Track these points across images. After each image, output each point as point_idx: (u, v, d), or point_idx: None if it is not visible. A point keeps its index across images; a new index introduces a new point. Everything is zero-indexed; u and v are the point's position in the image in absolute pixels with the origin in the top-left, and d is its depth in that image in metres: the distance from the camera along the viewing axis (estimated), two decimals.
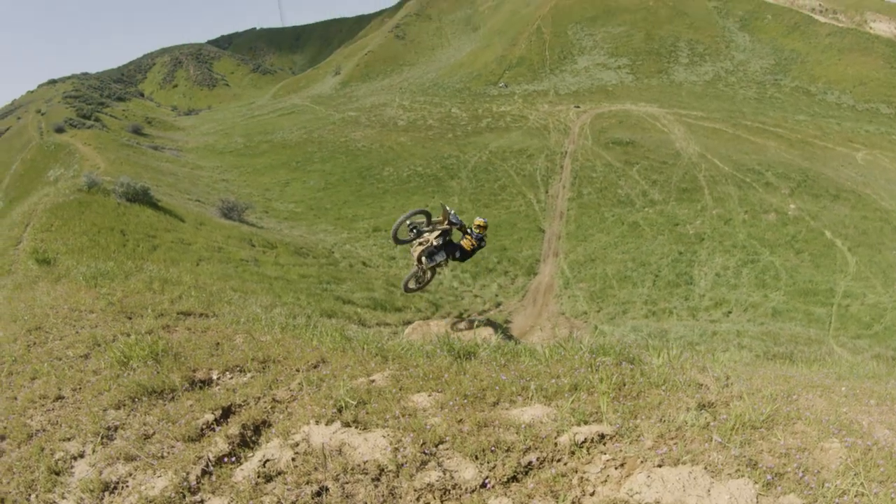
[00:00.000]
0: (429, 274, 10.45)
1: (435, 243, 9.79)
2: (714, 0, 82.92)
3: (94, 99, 79.15)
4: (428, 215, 10.02)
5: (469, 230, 10.12)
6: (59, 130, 52.90)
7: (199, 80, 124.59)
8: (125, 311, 7.41)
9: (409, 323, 14.16)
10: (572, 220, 27.73)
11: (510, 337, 15.36)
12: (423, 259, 9.88)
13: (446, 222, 9.82)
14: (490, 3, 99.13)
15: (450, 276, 20.50)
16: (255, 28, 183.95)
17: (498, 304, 19.47)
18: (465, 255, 10.19)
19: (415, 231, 9.91)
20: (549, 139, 41.17)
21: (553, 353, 5.01)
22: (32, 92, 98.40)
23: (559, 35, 74.70)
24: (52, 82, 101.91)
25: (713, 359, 6.18)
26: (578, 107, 50.58)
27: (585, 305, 19.90)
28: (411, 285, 10.61)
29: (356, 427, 3.86)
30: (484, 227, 10.26)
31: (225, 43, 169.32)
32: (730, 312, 19.39)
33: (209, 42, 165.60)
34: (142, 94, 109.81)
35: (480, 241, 10.21)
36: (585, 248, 24.74)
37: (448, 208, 9.98)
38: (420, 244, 9.90)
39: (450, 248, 10.01)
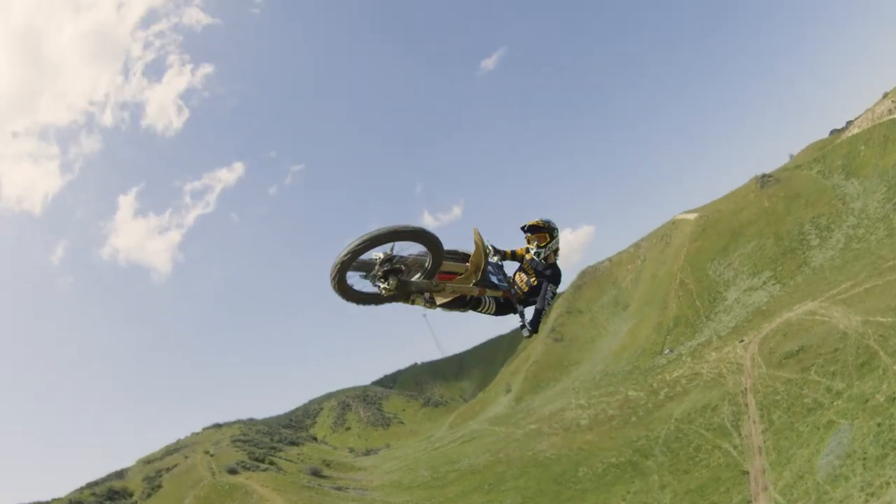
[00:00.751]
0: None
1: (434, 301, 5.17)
2: (815, 166, 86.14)
3: (264, 443, 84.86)
4: (433, 244, 4.73)
5: (528, 250, 5.73)
6: (233, 472, 56.66)
7: (372, 420, 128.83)
8: None
9: None
10: (771, 449, 28.43)
11: None
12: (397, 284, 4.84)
13: (473, 278, 5.24)
14: (630, 276, 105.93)
15: None
16: (416, 363, 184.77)
17: None
18: (504, 307, 5.61)
19: (390, 274, 4.79)
20: (726, 384, 42.66)
21: None
22: (198, 434, 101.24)
23: (701, 279, 78.22)
24: (217, 426, 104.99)
25: None
26: (742, 340, 52.03)
27: None
28: (345, 260, 4.65)
29: None
30: (544, 232, 5.63)
31: (389, 382, 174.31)
32: None
33: (373, 383, 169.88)
34: (314, 438, 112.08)
35: (545, 278, 5.61)
36: (791, 470, 25.24)
37: (488, 245, 5.59)
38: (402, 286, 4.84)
39: (469, 302, 5.42)
